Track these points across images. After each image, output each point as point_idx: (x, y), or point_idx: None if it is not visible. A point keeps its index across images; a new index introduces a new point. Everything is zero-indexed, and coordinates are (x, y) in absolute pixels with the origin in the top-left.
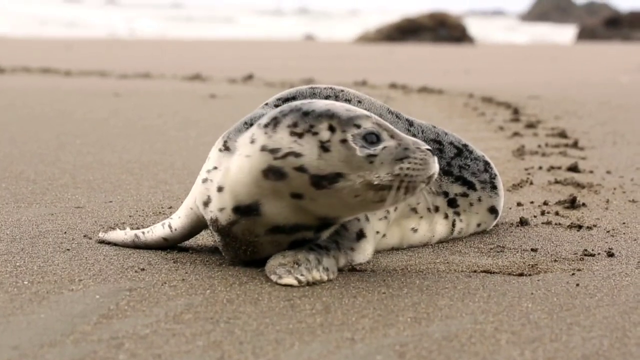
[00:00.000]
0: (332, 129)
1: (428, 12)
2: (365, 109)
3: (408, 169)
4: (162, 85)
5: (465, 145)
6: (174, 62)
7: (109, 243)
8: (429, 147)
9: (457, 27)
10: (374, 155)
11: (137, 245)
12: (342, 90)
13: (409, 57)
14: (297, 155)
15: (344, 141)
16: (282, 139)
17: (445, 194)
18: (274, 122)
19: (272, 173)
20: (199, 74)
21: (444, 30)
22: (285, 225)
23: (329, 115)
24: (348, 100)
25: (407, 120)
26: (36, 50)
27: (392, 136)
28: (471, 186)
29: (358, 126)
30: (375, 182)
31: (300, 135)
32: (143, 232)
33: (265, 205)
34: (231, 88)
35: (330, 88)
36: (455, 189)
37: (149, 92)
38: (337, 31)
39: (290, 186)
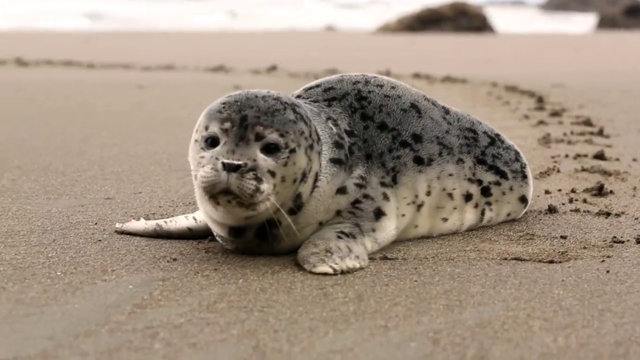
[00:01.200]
0: (198, 128)
1: (449, 2)
2: (400, 95)
3: (201, 175)
4: (185, 77)
5: (497, 135)
6: (196, 53)
7: (128, 233)
8: (234, 163)
9: (478, 17)
10: (202, 157)
11: (158, 234)
12: (375, 77)
13: (431, 47)
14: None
15: (195, 141)
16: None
17: (479, 181)
18: None
19: None
20: (222, 65)
21: (464, 19)
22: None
23: (203, 115)
24: (380, 86)
25: (443, 107)
26: (58, 44)
27: (225, 143)
28: (503, 175)
29: (206, 128)
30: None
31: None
32: (165, 222)
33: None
34: (255, 79)
35: (362, 75)
36: (489, 177)
37: (172, 83)
38: (358, 21)
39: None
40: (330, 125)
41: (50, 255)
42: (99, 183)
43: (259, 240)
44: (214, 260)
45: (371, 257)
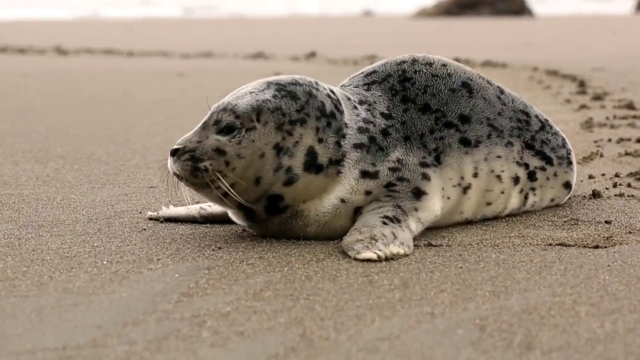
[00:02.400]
0: None
1: None
2: (451, 73)
3: None
4: (225, 64)
5: (546, 120)
6: (235, 40)
7: (168, 220)
8: (175, 147)
9: (516, 0)
10: None
11: (203, 217)
12: (425, 55)
13: (469, 32)
14: None
15: None
16: None
17: (526, 165)
18: None
19: None
20: (262, 52)
21: (502, 3)
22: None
23: None
24: (430, 64)
25: (498, 87)
26: (97, 32)
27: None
28: (549, 161)
29: None
30: None
31: None
32: (209, 205)
33: None
34: (295, 66)
35: (411, 55)
36: (535, 162)
37: (212, 71)
38: (395, 6)
39: None
40: (359, 110)
41: (95, 244)
42: (142, 172)
43: (272, 215)
44: (259, 249)
45: (416, 244)
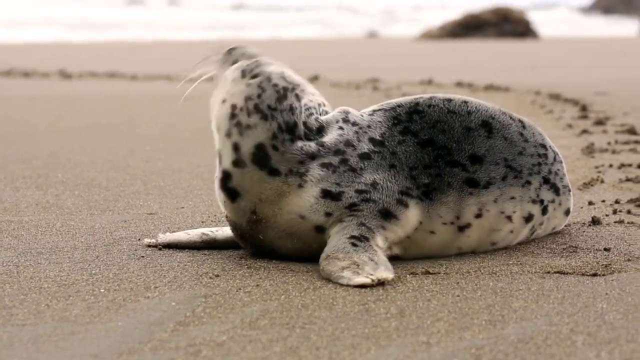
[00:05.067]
0: None
1: (491, 8)
2: (471, 111)
3: None
4: None
5: (554, 148)
6: None
7: (168, 246)
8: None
9: (521, 22)
10: None
11: (204, 242)
12: (448, 95)
13: (474, 54)
14: None
15: None
16: None
17: (542, 201)
18: None
19: None
20: None
21: (507, 25)
22: None
23: None
24: (449, 100)
25: (520, 121)
26: (101, 55)
27: None
28: (557, 192)
29: None
30: None
31: None
32: (211, 231)
33: None
34: None
35: (431, 94)
36: (549, 196)
37: None
38: (399, 28)
39: None
40: (345, 131)
41: (93, 272)
42: (142, 198)
43: (230, 198)
44: (256, 276)
45: (413, 272)
